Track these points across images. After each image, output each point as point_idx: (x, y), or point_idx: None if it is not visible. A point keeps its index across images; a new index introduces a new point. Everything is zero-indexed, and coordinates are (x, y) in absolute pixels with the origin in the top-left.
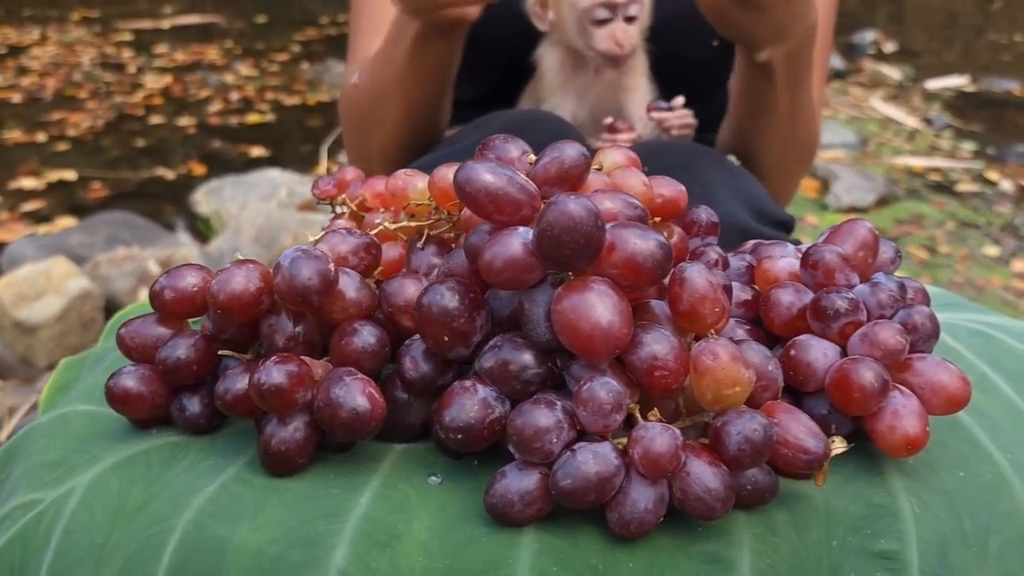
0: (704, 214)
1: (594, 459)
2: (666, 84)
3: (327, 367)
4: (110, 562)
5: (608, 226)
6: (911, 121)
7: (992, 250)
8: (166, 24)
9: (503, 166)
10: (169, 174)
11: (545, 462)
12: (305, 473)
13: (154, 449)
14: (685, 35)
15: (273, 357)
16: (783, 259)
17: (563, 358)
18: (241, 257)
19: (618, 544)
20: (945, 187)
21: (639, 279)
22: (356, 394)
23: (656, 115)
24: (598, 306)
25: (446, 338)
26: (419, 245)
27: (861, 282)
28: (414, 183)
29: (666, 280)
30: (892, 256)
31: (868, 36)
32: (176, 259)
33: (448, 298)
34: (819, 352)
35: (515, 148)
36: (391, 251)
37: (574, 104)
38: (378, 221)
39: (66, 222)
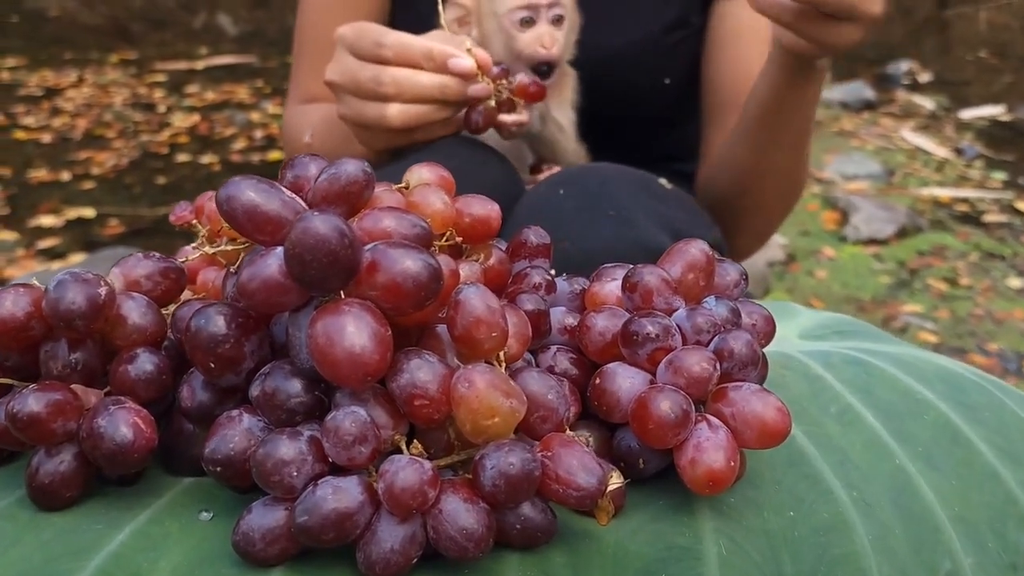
0: (533, 235)
1: (334, 494)
2: (613, 118)
3: (100, 396)
4: None
5: (373, 245)
6: (941, 151)
7: (1016, 282)
8: (200, 65)
9: (269, 184)
10: None
11: (289, 497)
12: (77, 507)
13: None
14: (635, 68)
15: (33, 385)
16: (612, 282)
17: (332, 386)
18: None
19: None
20: (972, 218)
21: (402, 302)
22: (120, 424)
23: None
24: (348, 329)
25: (212, 364)
26: (232, 270)
27: (689, 305)
28: None
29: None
30: (736, 279)
31: (903, 66)
32: None
33: (214, 322)
34: (625, 380)
35: (315, 166)
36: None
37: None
38: (194, 246)
39: (79, 259)
